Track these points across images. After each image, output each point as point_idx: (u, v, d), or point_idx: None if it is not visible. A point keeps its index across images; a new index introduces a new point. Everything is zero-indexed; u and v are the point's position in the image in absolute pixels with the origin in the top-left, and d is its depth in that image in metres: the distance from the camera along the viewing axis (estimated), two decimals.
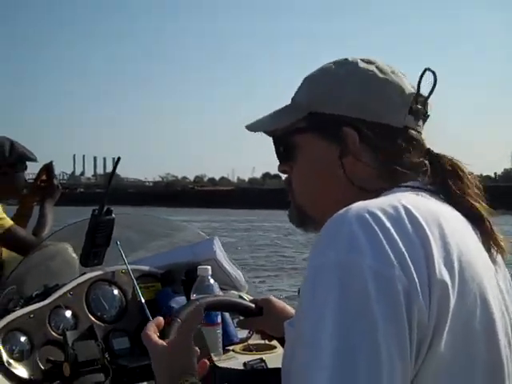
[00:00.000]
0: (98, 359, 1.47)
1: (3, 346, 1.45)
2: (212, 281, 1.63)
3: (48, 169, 2.78)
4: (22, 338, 1.49)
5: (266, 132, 1.05)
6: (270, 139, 1.04)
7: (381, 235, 0.75)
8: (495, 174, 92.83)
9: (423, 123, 0.99)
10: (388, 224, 0.77)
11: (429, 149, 0.96)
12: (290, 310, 1.29)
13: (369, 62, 0.98)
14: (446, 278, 0.76)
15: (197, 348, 1.01)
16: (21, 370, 1.44)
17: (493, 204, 0.95)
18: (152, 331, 1.02)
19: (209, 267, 1.64)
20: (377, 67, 0.97)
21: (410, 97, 0.96)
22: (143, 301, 1.66)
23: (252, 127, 1.05)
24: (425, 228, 0.78)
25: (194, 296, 1.59)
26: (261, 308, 1.34)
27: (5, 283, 1.76)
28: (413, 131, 0.96)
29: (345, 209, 0.80)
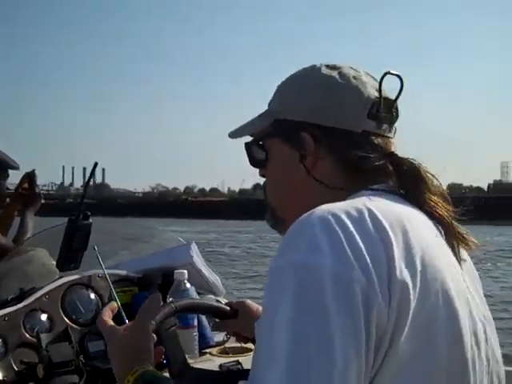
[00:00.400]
0: (73, 361, 1.47)
1: None
2: (188, 285, 1.65)
3: (30, 177, 2.77)
4: None
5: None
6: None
7: (342, 237, 0.77)
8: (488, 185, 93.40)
9: (391, 126, 1.00)
10: (350, 226, 0.78)
11: (392, 152, 0.98)
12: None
13: (333, 68, 1.01)
14: (407, 279, 0.78)
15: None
16: None
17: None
18: (107, 316, 1.05)
19: (185, 271, 1.66)
20: (339, 73, 0.99)
21: (368, 102, 0.97)
22: (119, 304, 1.67)
23: (232, 134, 1.10)
24: (388, 230, 0.80)
25: (170, 300, 1.60)
26: (236, 310, 1.36)
27: None
28: (373, 136, 0.97)
29: (309, 212, 0.82)
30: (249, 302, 1.38)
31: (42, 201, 2.85)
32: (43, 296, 1.62)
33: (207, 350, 1.72)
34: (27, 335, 1.53)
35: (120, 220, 2.14)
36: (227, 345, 1.76)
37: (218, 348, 1.74)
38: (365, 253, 0.76)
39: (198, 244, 1.86)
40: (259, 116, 1.06)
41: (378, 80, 0.99)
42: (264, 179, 1.08)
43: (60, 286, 1.67)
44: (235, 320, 1.35)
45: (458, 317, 0.83)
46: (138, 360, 1.01)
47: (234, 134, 1.10)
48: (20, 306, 1.57)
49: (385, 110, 0.98)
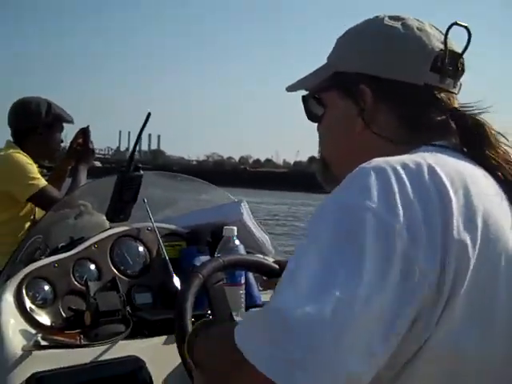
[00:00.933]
0: (119, 310, 1.48)
1: (27, 293, 1.46)
2: (237, 242, 1.61)
3: (84, 133, 2.80)
4: (46, 287, 1.51)
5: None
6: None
7: (396, 189, 0.73)
8: None
9: (455, 81, 0.95)
10: (406, 179, 0.75)
11: (455, 107, 0.93)
12: None
13: (396, 19, 0.96)
14: (466, 237, 0.74)
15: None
16: (43, 317, 1.46)
17: None
18: None
19: (235, 228, 1.63)
20: (402, 24, 0.94)
21: (432, 54, 0.92)
22: (167, 258, 1.66)
23: (289, 87, 1.08)
24: (447, 186, 0.76)
25: (217, 256, 1.57)
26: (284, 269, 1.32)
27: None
28: (435, 90, 0.92)
29: (367, 162, 0.79)
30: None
31: (98, 163, 2.89)
32: (92, 245, 1.63)
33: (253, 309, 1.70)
34: (76, 283, 1.54)
35: (169, 174, 2.12)
36: None
37: None
38: (418, 208, 0.72)
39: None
40: (316, 69, 1.03)
41: (444, 32, 0.93)
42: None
43: (109, 236, 1.67)
44: None
45: None
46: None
47: (292, 88, 1.07)
48: (70, 253, 1.58)
49: (449, 64, 0.93)
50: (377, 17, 0.98)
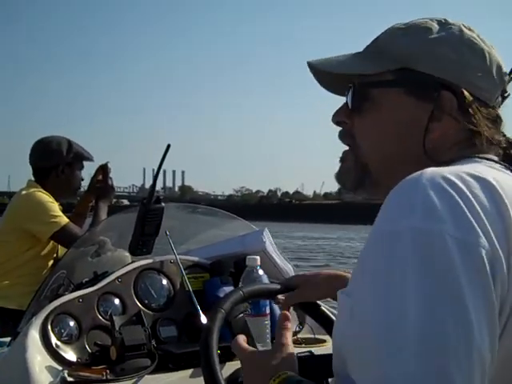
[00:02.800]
0: (145, 344, 1.46)
1: (52, 329, 1.45)
2: (261, 271, 1.60)
3: (103, 169, 2.83)
4: (71, 322, 1.50)
5: (333, 75, 0.94)
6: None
7: (459, 200, 0.69)
8: None
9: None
10: (465, 190, 0.71)
11: (503, 132, 0.92)
12: (324, 272, 1.30)
13: (470, 30, 0.91)
14: None
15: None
16: (69, 353, 1.44)
17: None
18: (242, 340, 1.00)
19: (258, 257, 1.61)
20: (478, 36, 0.91)
21: (505, 76, 0.91)
22: (191, 290, 1.65)
23: (323, 65, 0.95)
24: (505, 201, 0.73)
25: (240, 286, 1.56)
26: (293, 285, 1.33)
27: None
28: (498, 111, 0.91)
29: (418, 172, 0.73)
30: (303, 273, 1.35)
31: (126, 202, 2.92)
32: (116, 279, 1.62)
33: None
34: (101, 317, 1.53)
35: (191, 205, 2.12)
36: (300, 335, 1.71)
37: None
38: (483, 218, 0.69)
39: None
40: (367, 55, 0.93)
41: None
42: (341, 128, 0.96)
43: (132, 270, 1.67)
44: (297, 292, 1.31)
45: None
46: (278, 369, 0.89)
47: (328, 65, 0.95)
48: (94, 288, 1.58)
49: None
50: (446, 20, 0.92)
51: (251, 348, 0.99)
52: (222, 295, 1.65)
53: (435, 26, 0.91)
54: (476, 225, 0.68)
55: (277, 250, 1.80)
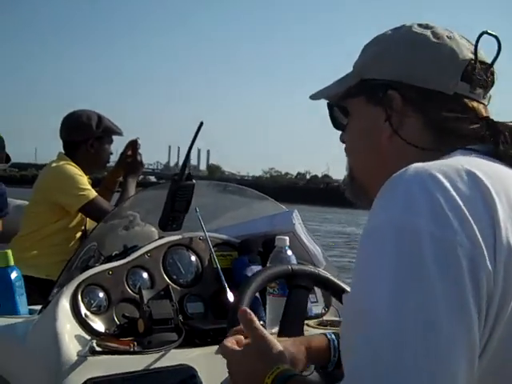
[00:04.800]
0: (172, 319, 1.47)
1: (82, 300, 1.47)
2: (290, 252, 1.60)
3: (133, 145, 2.85)
4: (101, 294, 1.51)
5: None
6: None
7: (440, 197, 0.71)
8: None
9: (485, 92, 0.93)
10: (449, 186, 0.72)
11: (487, 116, 0.91)
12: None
13: (425, 27, 0.94)
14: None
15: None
16: (97, 324, 1.46)
17: None
18: (230, 343, 0.99)
19: (287, 238, 1.61)
20: (432, 32, 0.93)
21: (463, 63, 0.90)
22: (219, 268, 1.65)
23: (314, 95, 1.06)
24: (491, 191, 0.74)
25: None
26: None
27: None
28: (466, 99, 0.91)
29: (403, 169, 0.76)
30: None
31: (153, 178, 2.93)
32: (145, 254, 1.63)
33: (305, 322, 1.67)
34: (129, 290, 1.55)
35: (221, 184, 2.12)
36: (325, 317, 1.71)
37: (317, 320, 1.69)
38: (467, 214, 0.70)
39: None
40: (342, 77, 1.02)
41: (474, 42, 0.92)
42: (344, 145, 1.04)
43: (162, 245, 1.67)
44: None
45: None
46: (269, 364, 0.90)
47: (316, 96, 1.05)
48: (123, 261, 1.59)
49: (480, 74, 0.91)
50: (404, 25, 0.97)
51: (236, 348, 0.98)
52: (249, 274, 1.66)
53: (387, 33, 0.97)
54: (455, 221, 0.69)
55: (306, 232, 1.80)
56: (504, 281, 0.70)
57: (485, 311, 0.68)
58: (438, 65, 0.91)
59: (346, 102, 0.99)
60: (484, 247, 0.69)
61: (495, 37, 0.91)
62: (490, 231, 0.71)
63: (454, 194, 0.71)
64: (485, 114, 0.92)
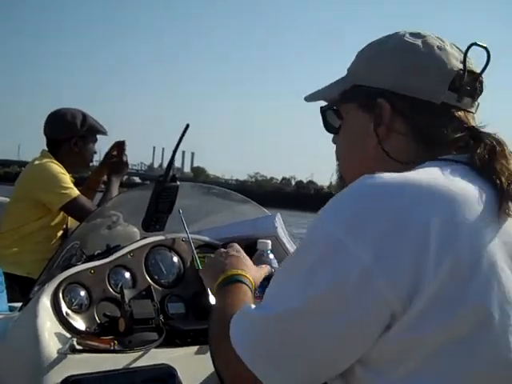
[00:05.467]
0: (153, 318, 1.48)
1: (63, 298, 1.47)
2: (272, 256, 1.61)
3: (119, 146, 2.84)
4: (82, 292, 1.52)
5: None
6: None
7: (367, 211, 0.78)
8: None
9: (473, 101, 0.96)
10: (382, 201, 0.79)
11: (473, 126, 0.94)
12: None
13: (417, 36, 0.97)
14: (445, 257, 0.76)
15: None
16: (78, 322, 1.46)
17: None
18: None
19: (269, 241, 1.63)
20: (423, 41, 0.96)
21: (451, 73, 0.93)
22: (201, 269, 1.66)
23: (308, 97, 1.08)
24: (425, 208, 0.78)
25: None
26: None
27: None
28: (453, 108, 0.94)
29: (356, 180, 0.83)
30: None
31: (138, 179, 2.92)
32: (128, 254, 1.64)
33: None
34: (111, 290, 1.55)
35: (205, 186, 2.13)
36: None
37: None
38: (384, 233, 0.76)
39: None
40: (337, 81, 1.04)
41: (460, 53, 0.96)
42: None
43: (145, 245, 1.68)
44: None
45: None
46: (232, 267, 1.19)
47: (311, 98, 1.08)
48: (106, 260, 1.60)
49: (468, 84, 0.94)
50: (397, 33, 0.99)
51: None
52: None
53: (380, 40, 1.00)
54: (365, 236, 0.77)
55: (288, 237, 1.81)
56: (434, 292, 0.75)
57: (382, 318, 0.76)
58: (426, 75, 0.93)
59: (339, 105, 1.03)
60: (390, 269, 0.75)
61: (485, 48, 0.94)
62: (408, 254, 0.75)
63: (384, 209, 0.78)
64: (471, 123, 0.95)
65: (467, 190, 0.83)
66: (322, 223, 0.82)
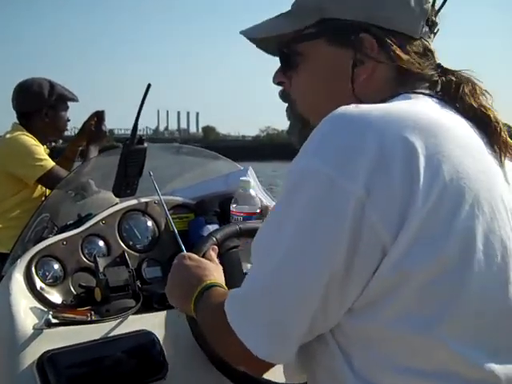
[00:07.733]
0: (129, 285, 1.46)
1: (37, 272, 1.45)
2: (254, 193, 1.58)
3: (98, 115, 2.77)
4: (55, 265, 1.49)
5: (261, 40, 0.97)
6: None
7: (352, 145, 0.74)
8: None
9: (433, 37, 0.93)
10: (365, 132, 0.75)
11: (439, 63, 0.92)
12: None
13: None
14: (431, 186, 0.74)
15: None
16: (54, 295, 1.44)
17: None
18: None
19: (250, 180, 1.60)
20: None
21: (427, 7, 0.90)
22: (176, 231, 1.64)
23: (250, 33, 0.97)
24: (410, 136, 0.75)
25: (233, 206, 1.55)
26: None
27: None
28: (427, 43, 0.91)
29: (331, 113, 0.78)
30: None
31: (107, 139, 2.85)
32: (100, 221, 1.61)
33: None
34: (85, 259, 1.53)
35: (174, 146, 2.09)
36: None
37: None
38: (373, 164, 0.73)
39: None
40: (288, 15, 0.94)
41: None
42: (280, 88, 1.00)
43: (116, 211, 1.65)
44: None
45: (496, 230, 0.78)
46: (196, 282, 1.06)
47: (254, 33, 0.96)
48: (78, 230, 1.56)
49: (434, 20, 0.92)
50: None
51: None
52: (205, 234, 1.64)
53: None
54: (354, 169, 0.73)
55: (261, 188, 1.79)
56: (421, 222, 0.73)
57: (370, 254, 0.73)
58: (408, 7, 0.88)
59: (300, 42, 0.92)
60: (379, 196, 0.72)
61: None
62: (399, 178, 0.73)
63: (368, 140, 0.74)
64: (437, 60, 0.93)
65: (448, 120, 0.82)
66: (306, 163, 0.77)
